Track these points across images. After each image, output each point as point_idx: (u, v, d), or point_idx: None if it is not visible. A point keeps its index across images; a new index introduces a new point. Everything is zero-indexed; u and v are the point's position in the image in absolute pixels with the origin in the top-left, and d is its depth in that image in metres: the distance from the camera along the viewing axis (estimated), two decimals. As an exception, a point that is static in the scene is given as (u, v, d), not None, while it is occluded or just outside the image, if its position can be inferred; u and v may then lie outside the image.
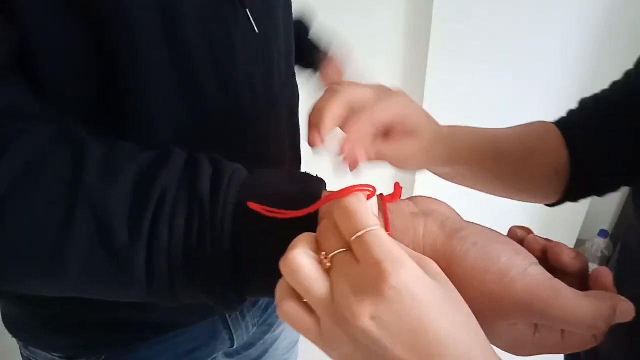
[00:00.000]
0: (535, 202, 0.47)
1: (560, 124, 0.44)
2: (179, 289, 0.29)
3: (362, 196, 0.25)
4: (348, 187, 0.26)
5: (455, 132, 0.42)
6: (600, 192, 0.45)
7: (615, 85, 0.44)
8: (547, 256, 0.29)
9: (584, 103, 0.45)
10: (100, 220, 0.27)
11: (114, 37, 0.31)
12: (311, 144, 0.36)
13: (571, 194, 0.44)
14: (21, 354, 0.54)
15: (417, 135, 0.39)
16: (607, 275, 0.28)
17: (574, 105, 0.45)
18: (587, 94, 0.44)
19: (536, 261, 0.27)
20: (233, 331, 0.57)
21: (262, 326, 0.64)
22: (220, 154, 0.31)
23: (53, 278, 0.28)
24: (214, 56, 0.36)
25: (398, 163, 0.39)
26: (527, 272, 0.26)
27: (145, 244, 0.27)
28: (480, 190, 0.46)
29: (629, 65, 0.43)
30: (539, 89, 1.25)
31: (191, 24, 0.33)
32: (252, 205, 0.28)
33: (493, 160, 0.43)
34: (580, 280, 0.28)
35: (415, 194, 1.52)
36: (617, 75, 0.43)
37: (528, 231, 0.30)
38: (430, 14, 1.26)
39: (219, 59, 0.36)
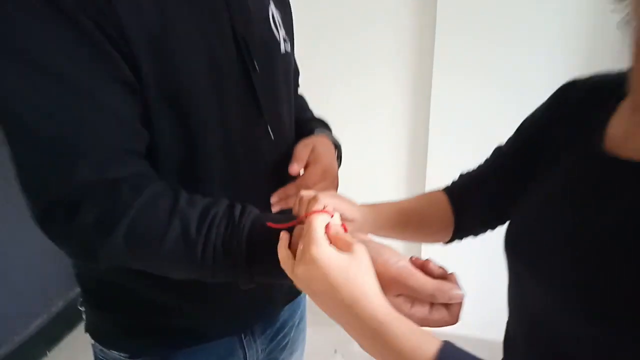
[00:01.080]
0: (433, 243, 0.72)
1: (448, 192, 0.70)
2: (217, 267, 0.53)
3: (321, 216, 0.50)
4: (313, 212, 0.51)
5: (376, 215, 0.65)
6: (476, 234, 0.70)
7: (486, 161, 0.70)
8: (424, 269, 0.51)
9: (464, 176, 0.71)
10: (183, 226, 0.52)
11: (191, 135, 0.60)
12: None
13: (456, 237, 0.70)
14: (96, 356, 0.75)
15: (354, 222, 0.62)
16: (454, 276, 0.51)
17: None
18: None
19: (406, 259, 0.50)
20: (247, 349, 0.77)
21: (268, 358, 0.83)
22: (243, 193, 0.58)
23: (155, 260, 0.53)
24: (247, 147, 0.64)
25: None
26: (398, 262, 0.49)
27: (203, 239, 0.52)
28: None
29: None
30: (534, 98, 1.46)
31: (236, 127, 0.63)
32: (269, 224, 0.53)
33: (404, 227, 0.68)
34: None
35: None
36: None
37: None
38: (433, 30, 1.58)
39: (249, 149, 0.65)
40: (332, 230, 0.48)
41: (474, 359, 0.41)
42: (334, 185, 0.74)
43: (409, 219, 0.68)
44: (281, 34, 0.73)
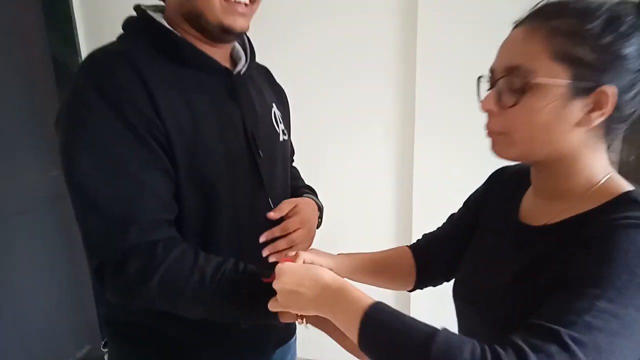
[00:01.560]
0: (399, 290, 0.88)
1: (413, 249, 0.88)
2: (225, 308, 0.71)
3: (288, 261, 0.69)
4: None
5: (349, 263, 0.83)
6: (435, 285, 0.87)
7: (443, 225, 0.88)
8: None
9: (426, 236, 0.89)
10: (201, 277, 0.70)
11: (209, 207, 0.79)
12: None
13: (418, 287, 0.86)
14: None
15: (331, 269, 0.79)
16: None
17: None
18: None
19: None
20: None
21: None
22: (246, 249, 0.78)
23: (179, 302, 0.71)
24: (251, 215, 0.84)
25: None
26: None
27: (215, 287, 0.70)
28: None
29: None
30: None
31: (244, 200, 0.83)
32: (264, 280, 0.71)
33: (373, 274, 0.85)
34: None
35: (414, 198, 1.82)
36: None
37: None
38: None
39: (252, 216, 0.84)
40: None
41: (400, 315, 0.55)
42: (311, 234, 0.93)
43: (378, 269, 0.86)
44: (280, 127, 0.95)
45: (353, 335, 0.56)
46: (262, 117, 0.89)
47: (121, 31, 0.82)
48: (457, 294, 0.76)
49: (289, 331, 1.00)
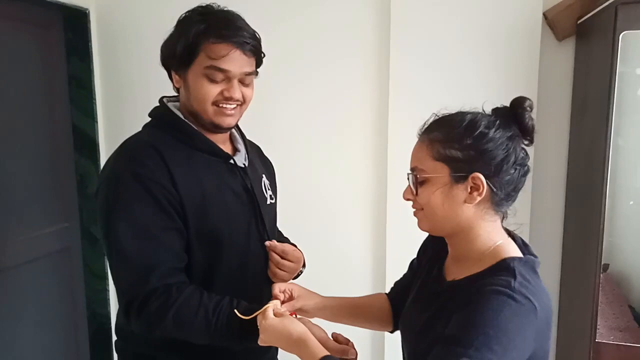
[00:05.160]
0: (380, 331, 1.07)
1: (388, 296, 1.07)
2: (222, 336, 0.92)
3: (271, 305, 0.91)
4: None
5: (330, 305, 1.05)
6: None
7: (407, 271, 1.07)
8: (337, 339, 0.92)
9: (397, 283, 1.09)
10: (205, 312, 0.92)
11: (212, 257, 1.02)
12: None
13: (396, 328, 1.05)
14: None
15: (308, 311, 1.02)
16: (351, 343, 0.92)
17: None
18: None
19: (327, 332, 0.91)
20: None
21: None
22: (238, 286, 1.01)
23: (188, 332, 0.92)
24: (245, 267, 1.07)
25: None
26: (321, 334, 0.89)
27: (215, 319, 0.92)
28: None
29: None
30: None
31: (241, 247, 1.07)
32: (248, 315, 0.92)
33: (352, 316, 1.06)
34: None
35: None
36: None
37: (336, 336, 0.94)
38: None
39: (245, 268, 1.06)
40: (275, 309, 0.90)
41: None
42: (292, 275, 1.14)
43: (362, 311, 1.07)
44: (268, 193, 1.19)
45: None
46: (255, 185, 1.13)
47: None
48: (400, 326, 0.98)
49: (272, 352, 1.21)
